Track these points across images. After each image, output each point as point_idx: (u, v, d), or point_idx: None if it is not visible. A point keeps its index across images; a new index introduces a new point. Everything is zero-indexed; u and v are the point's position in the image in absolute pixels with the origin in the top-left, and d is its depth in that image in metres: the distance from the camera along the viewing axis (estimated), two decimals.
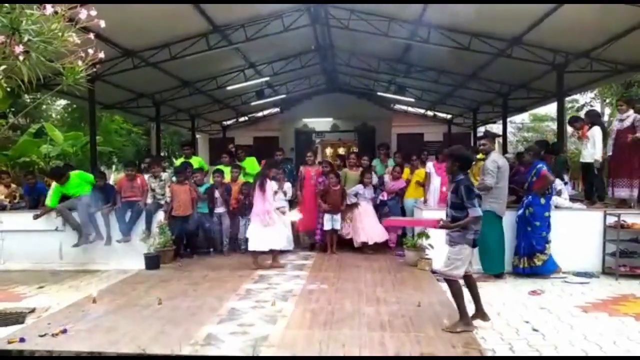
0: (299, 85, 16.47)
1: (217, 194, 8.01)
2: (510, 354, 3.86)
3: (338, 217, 8.00)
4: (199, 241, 8.28)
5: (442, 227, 4.60)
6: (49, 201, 7.42)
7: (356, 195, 8.07)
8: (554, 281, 6.27)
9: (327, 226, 8.03)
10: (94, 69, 2.90)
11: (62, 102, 18.45)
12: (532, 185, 6.55)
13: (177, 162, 8.72)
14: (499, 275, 6.42)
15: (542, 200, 6.47)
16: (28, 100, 15.66)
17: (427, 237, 6.71)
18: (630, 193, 6.74)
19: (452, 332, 4.19)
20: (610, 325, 4.55)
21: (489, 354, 3.78)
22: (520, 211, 6.64)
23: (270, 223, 6.95)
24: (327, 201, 8.00)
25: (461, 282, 4.42)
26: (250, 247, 6.99)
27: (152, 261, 7.04)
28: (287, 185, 8.20)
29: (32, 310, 5.08)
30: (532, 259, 6.47)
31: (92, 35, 2.82)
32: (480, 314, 4.49)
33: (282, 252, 7.77)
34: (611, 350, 3.94)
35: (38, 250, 7.42)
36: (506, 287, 6.01)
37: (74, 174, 7.59)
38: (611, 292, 5.76)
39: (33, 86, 2.63)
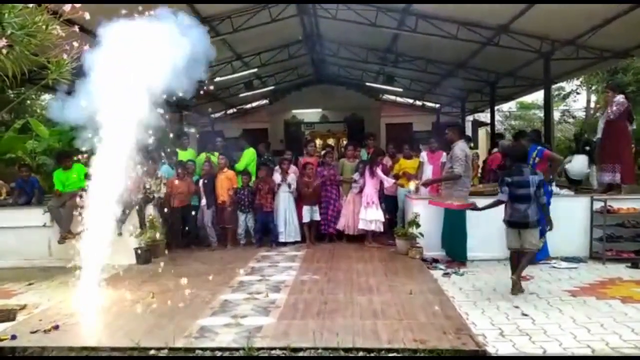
0: (287, 77, 16.38)
1: (200, 184, 7.94)
2: (500, 338, 3.92)
3: (317, 208, 8.02)
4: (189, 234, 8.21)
5: (474, 209, 5.51)
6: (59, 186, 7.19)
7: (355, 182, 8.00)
8: (542, 267, 6.36)
9: (305, 218, 7.99)
10: (80, 62, 2.86)
11: (47, 96, 18.15)
12: (536, 167, 6.54)
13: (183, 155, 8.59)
14: (463, 263, 6.46)
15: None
16: (12, 96, 15.37)
17: (418, 225, 6.76)
18: (613, 177, 6.83)
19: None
20: (598, 309, 4.63)
21: (480, 339, 3.83)
22: None
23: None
24: (304, 193, 7.96)
25: None
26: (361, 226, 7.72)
27: (143, 256, 7.00)
28: (291, 177, 8.04)
29: (23, 307, 5.03)
30: None
31: (76, 28, 2.79)
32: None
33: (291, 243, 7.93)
34: (599, 332, 4.02)
35: (27, 247, 7.33)
36: (496, 274, 6.09)
37: (77, 165, 7.12)
38: (598, 276, 5.86)
39: (17, 81, 2.59)
